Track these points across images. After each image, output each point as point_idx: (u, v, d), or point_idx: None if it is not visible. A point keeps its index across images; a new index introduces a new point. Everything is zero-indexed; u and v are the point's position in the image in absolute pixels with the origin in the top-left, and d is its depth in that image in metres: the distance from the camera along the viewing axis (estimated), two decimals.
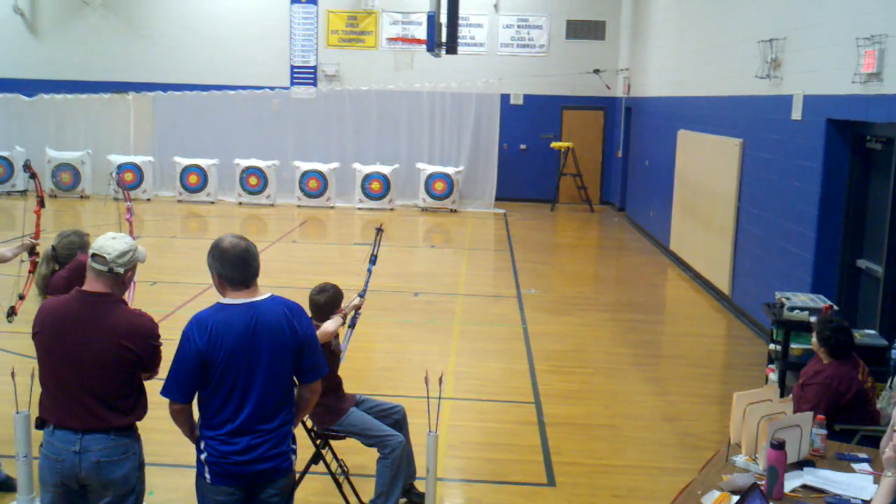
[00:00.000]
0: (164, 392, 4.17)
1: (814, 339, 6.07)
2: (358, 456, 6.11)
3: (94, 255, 4.25)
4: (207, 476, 4.22)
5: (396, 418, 5.99)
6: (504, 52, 22.75)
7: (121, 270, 4.22)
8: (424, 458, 6.62)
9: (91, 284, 4.25)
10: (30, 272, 6.25)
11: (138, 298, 4.46)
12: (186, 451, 6.76)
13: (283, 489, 4.34)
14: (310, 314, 5.18)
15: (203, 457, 4.23)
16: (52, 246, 5.92)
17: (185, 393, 4.17)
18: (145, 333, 4.26)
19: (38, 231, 6.26)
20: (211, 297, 11.45)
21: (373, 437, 5.74)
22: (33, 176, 6.33)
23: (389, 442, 5.69)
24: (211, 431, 4.19)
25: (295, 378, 4.32)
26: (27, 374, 5.24)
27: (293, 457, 4.36)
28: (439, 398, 5.27)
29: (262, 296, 4.23)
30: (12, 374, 4.79)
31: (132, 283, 5.52)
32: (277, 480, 4.29)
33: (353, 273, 13.71)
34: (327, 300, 5.90)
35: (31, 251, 6.22)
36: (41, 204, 6.28)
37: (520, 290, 12.90)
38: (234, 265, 4.16)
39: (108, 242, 4.27)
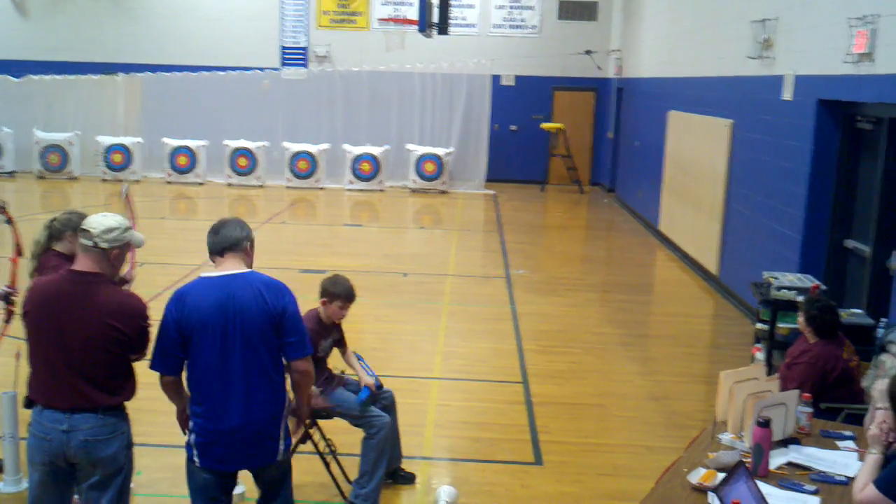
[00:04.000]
0: (151, 365, 4.24)
1: (800, 319, 6.09)
2: (346, 435, 6.10)
3: (81, 229, 4.24)
4: (196, 458, 4.25)
5: (385, 403, 5.98)
6: (495, 32, 22.67)
7: (105, 245, 4.19)
8: (415, 438, 6.69)
9: (80, 263, 4.24)
10: (5, 321, 6.00)
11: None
12: (175, 431, 6.77)
13: (274, 474, 4.37)
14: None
15: (191, 438, 4.26)
16: (54, 217, 5.77)
17: (167, 364, 4.22)
18: (133, 313, 4.24)
19: (14, 280, 5.97)
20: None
21: (359, 417, 5.74)
22: (9, 221, 5.99)
23: (375, 422, 5.69)
24: (197, 408, 4.23)
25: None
26: (11, 355, 5.23)
27: (280, 445, 4.33)
28: None
29: (241, 270, 4.28)
30: (17, 356, 4.74)
31: (132, 267, 5.49)
32: (266, 467, 4.32)
33: (342, 254, 13.77)
34: (340, 291, 5.85)
35: (7, 299, 5.95)
36: (18, 252, 5.97)
37: (509, 271, 12.91)
38: (211, 233, 4.35)
39: (97, 218, 4.27)
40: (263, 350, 4.21)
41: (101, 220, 4.26)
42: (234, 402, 4.17)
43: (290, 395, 4.50)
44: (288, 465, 4.51)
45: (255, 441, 4.24)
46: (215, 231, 4.35)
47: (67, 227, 5.66)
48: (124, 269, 5.12)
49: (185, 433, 4.43)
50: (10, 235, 6.07)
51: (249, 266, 4.39)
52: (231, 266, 4.30)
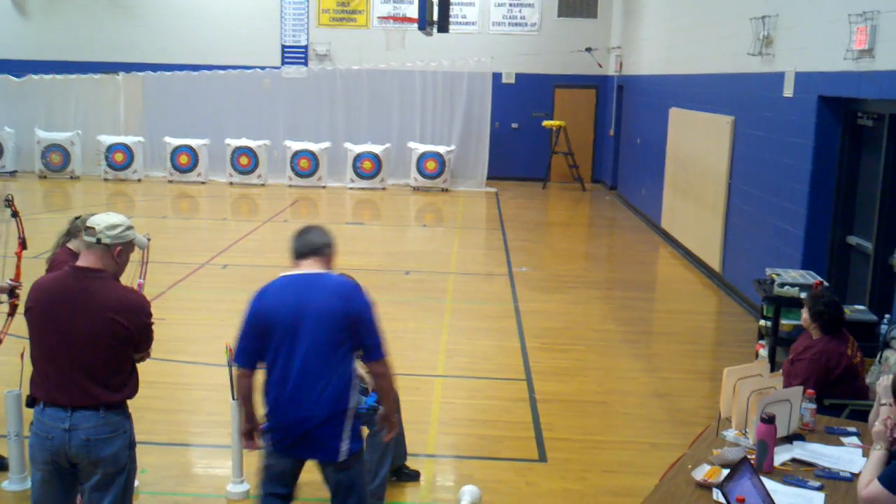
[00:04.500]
0: (233, 358, 4.54)
1: (805, 315, 6.08)
2: None
3: (86, 227, 4.26)
4: (269, 445, 4.42)
5: None
6: (496, 30, 22.66)
7: (108, 241, 4.21)
8: (419, 435, 6.69)
9: (83, 260, 4.26)
10: (8, 315, 6.02)
11: (128, 278, 4.44)
12: (179, 429, 6.80)
13: (339, 476, 4.44)
14: None
15: (266, 424, 4.42)
16: (79, 215, 5.75)
17: (246, 357, 4.42)
18: (136, 309, 4.25)
19: (18, 273, 5.98)
20: (202, 277, 11.42)
21: (362, 415, 5.74)
22: (15, 214, 6.01)
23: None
24: (266, 398, 4.40)
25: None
26: (15, 354, 5.24)
27: (343, 445, 4.36)
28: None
29: (320, 271, 4.45)
30: (21, 356, 4.74)
31: (145, 265, 5.49)
32: (329, 464, 4.41)
33: (344, 252, 13.73)
34: None
35: (11, 293, 5.97)
36: (23, 245, 5.98)
37: (511, 269, 12.91)
38: (295, 237, 4.55)
39: (100, 216, 4.31)
40: (332, 349, 4.33)
41: (104, 218, 4.29)
42: (296, 397, 4.29)
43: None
44: (356, 470, 4.50)
45: (314, 436, 4.33)
46: (299, 235, 4.56)
47: (83, 226, 5.68)
48: (138, 275, 5.14)
49: (243, 442, 4.62)
50: (15, 229, 6.08)
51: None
52: (310, 268, 4.46)
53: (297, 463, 4.49)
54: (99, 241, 4.21)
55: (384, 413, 4.67)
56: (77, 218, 5.56)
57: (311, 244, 4.51)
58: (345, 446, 4.38)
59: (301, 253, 4.50)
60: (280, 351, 4.32)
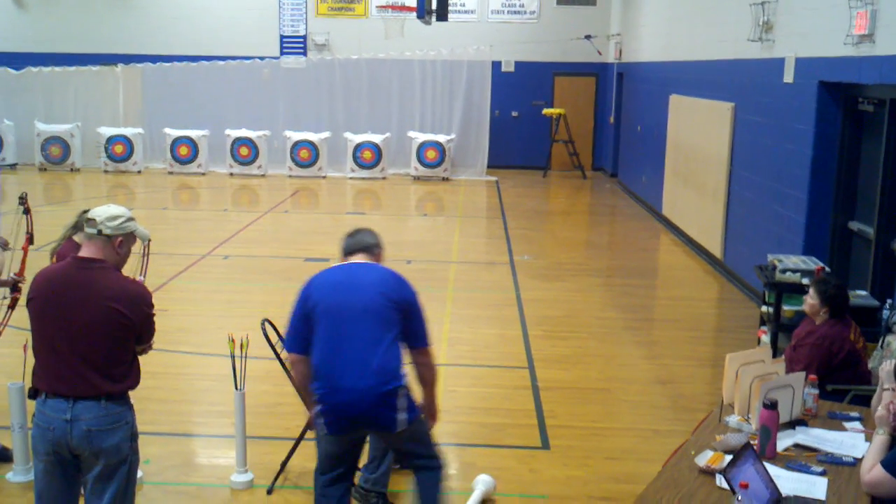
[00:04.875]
0: (285, 345, 4.68)
1: (809, 301, 6.04)
2: None
3: (87, 219, 4.27)
4: (323, 427, 4.52)
5: None
6: (495, 18, 22.62)
7: (109, 232, 4.21)
8: None
9: (85, 251, 4.27)
10: (9, 307, 6.04)
11: (130, 269, 4.45)
12: (182, 419, 6.81)
13: (401, 440, 4.61)
14: None
15: (318, 408, 4.51)
16: (86, 209, 5.79)
17: (298, 343, 4.57)
18: (137, 298, 4.25)
19: (23, 267, 6.01)
20: (203, 268, 11.45)
21: None
22: (27, 211, 6.08)
23: None
24: (318, 381, 4.51)
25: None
26: (18, 346, 5.24)
27: (399, 416, 4.49)
28: (245, 357, 5.63)
29: (368, 262, 4.76)
30: (25, 348, 4.75)
31: (145, 261, 5.50)
32: (387, 434, 4.59)
33: None
34: None
35: (14, 287, 6.00)
36: (30, 240, 6.03)
37: (512, 257, 12.91)
38: (346, 237, 4.86)
39: (102, 208, 4.32)
40: (384, 332, 4.50)
41: (105, 209, 4.30)
42: (350, 377, 4.41)
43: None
44: (417, 430, 4.65)
45: (370, 414, 4.45)
46: (351, 235, 4.86)
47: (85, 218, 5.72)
48: (138, 273, 5.15)
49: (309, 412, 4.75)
50: (24, 225, 6.11)
51: None
52: (360, 261, 4.75)
53: (357, 439, 4.66)
54: (100, 231, 4.22)
55: (426, 402, 4.81)
56: (85, 211, 5.58)
57: (362, 242, 4.80)
58: (402, 416, 4.51)
59: (351, 250, 4.78)
60: (332, 334, 4.47)
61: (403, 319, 4.57)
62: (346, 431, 4.55)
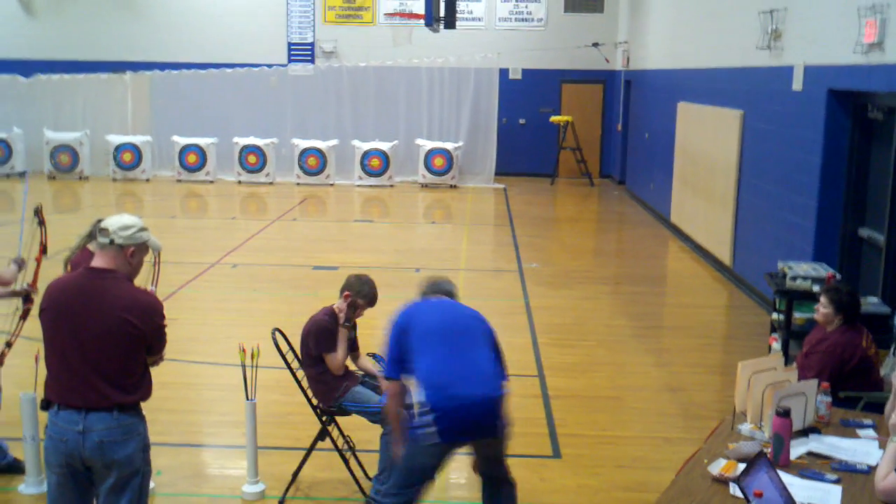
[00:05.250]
0: (385, 373, 4.94)
1: (822, 310, 6.02)
2: (364, 432, 6.14)
3: (99, 229, 4.27)
4: (435, 438, 4.59)
5: None
6: (502, 26, 22.65)
7: (121, 242, 4.21)
8: None
9: (97, 261, 4.26)
10: (21, 317, 6.07)
11: (142, 279, 4.45)
12: (193, 430, 6.81)
13: (496, 449, 4.90)
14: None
15: (425, 419, 4.61)
16: (100, 219, 5.84)
17: (398, 368, 4.83)
18: (148, 309, 4.24)
19: (36, 278, 6.05)
20: (212, 277, 11.42)
21: (375, 414, 5.76)
22: (42, 223, 6.15)
23: None
24: (433, 392, 4.63)
25: None
26: (30, 356, 5.25)
27: (500, 423, 4.77)
28: (255, 367, 5.65)
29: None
30: (36, 359, 4.77)
31: (157, 269, 5.51)
32: (491, 441, 4.83)
33: (353, 250, 13.79)
34: (366, 292, 6.04)
35: (27, 298, 6.03)
36: (44, 251, 6.08)
37: (521, 265, 12.91)
38: (428, 284, 5.34)
39: (114, 217, 4.32)
40: (485, 345, 4.91)
41: (117, 219, 4.30)
42: (465, 382, 4.65)
43: None
44: (505, 440, 4.94)
45: (485, 416, 4.67)
46: (432, 283, 5.30)
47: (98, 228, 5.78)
48: (149, 283, 5.16)
49: (400, 441, 4.88)
50: (39, 236, 6.15)
51: None
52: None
53: (455, 448, 4.79)
54: (112, 241, 4.22)
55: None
56: (99, 221, 5.61)
57: (444, 287, 5.25)
58: (502, 423, 4.78)
59: (433, 292, 5.22)
60: (442, 350, 4.76)
61: (495, 346, 4.98)
62: (459, 438, 4.70)
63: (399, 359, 4.82)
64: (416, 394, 4.70)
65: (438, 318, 4.94)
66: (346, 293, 5.90)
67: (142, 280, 4.56)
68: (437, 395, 4.62)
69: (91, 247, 5.49)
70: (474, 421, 4.65)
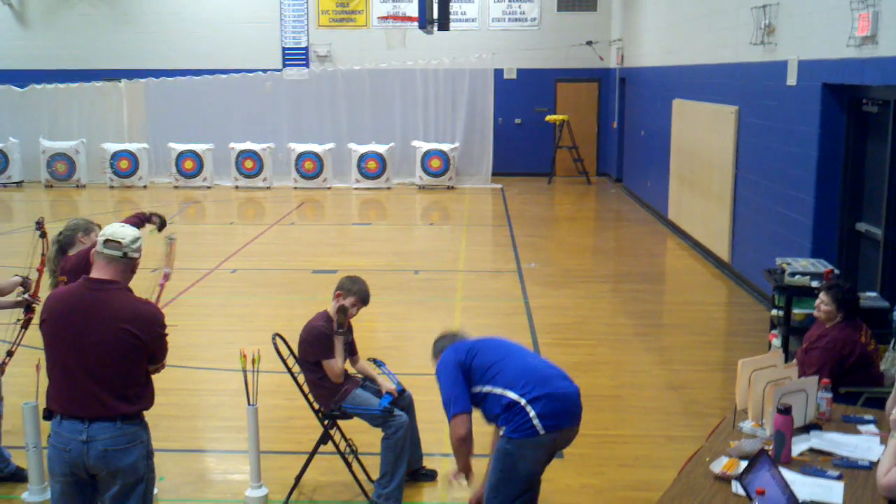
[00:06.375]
0: (456, 410, 4.82)
1: (823, 307, 6.02)
2: (366, 435, 6.14)
3: (107, 240, 4.26)
4: (541, 427, 4.65)
5: (403, 404, 5.99)
6: (496, 26, 22.67)
7: (136, 255, 4.26)
8: (434, 434, 6.69)
9: (98, 271, 4.26)
10: (22, 327, 6.11)
11: (138, 285, 4.45)
12: (195, 435, 6.81)
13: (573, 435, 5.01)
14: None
15: (532, 413, 4.66)
16: (60, 232, 6.02)
17: (465, 401, 4.86)
18: (149, 319, 4.25)
19: (37, 289, 6.09)
20: (212, 282, 11.45)
21: (377, 417, 5.76)
22: (44, 235, 6.23)
23: (393, 422, 5.70)
24: (530, 389, 4.72)
25: None
26: (32, 366, 5.25)
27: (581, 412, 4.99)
28: (256, 371, 5.62)
29: None
30: (37, 367, 4.78)
31: (162, 286, 5.57)
32: (574, 427, 4.96)
33: (352, 253, 13.79)
34: (357, 290, 5.98)
35: (28, 308, 6.07)
36: (45, 263, 6.15)
37: (520, 265, 12.91)
38: (440, 338, 5.32)
39: (120, 229, 4.32)
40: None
41: (125, 231, 4.31)
42: (555, 379, 4.83)
43: None
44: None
45: (575, 403, 4.85)
46: (455, 332, 5.37)
47: (76, 232, 5.91)
48: (155, 293, 5.19)
49: (465, 473, 5.06)
50: (41, 247, 6.22)
51: None
52: None
53: (553, 442, 4.79)
54: (125, 255, 4.23)
55: None
56: (59, 234, 6.02)
57: (465, 335, 5.32)
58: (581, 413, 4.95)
59: (462, 338, 5.25)
60: (515, 357, 4.97)
61: None
62: (559, 423, 4.73)
63: (466, 392, 4.86)
64: (503, 399, 4.76)
65: (495, 341, 5.15)
66: (338, 293, 5.91)
67: (146, 290, 4.57)
68: (531, 387, 4.72)
69: (72, 251, 5.56)
70: (568, 409, 4.78)
